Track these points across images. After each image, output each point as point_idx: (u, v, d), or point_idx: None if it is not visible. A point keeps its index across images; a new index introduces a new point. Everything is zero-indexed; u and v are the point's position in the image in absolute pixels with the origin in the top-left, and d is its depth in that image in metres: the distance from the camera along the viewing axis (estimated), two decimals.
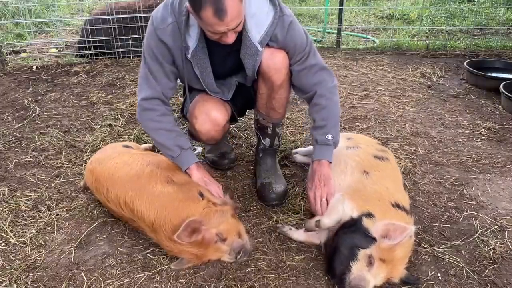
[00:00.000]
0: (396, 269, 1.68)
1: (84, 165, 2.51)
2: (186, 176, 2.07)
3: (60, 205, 2.27)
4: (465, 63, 3.90)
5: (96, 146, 2.78)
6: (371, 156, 2.10)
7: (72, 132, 3.02)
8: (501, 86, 3.37)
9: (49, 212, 2.21)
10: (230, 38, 1.77)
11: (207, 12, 1.64)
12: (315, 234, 1.96)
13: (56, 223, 2.13)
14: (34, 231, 2.08)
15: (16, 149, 2.81)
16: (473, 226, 2.11)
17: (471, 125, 3.10)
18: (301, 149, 2.66)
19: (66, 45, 4.92)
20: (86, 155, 2.69)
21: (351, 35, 5.34)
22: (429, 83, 3.89)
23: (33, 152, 2.76)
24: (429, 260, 1.91)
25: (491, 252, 1.93)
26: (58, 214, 2.19)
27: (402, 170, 2.53)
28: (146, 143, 2.78)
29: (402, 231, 1.64)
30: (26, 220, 2.16)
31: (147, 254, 1.94)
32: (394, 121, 3.17)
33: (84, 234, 2.06)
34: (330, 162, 1.99)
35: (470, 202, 2.28)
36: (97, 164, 2.14)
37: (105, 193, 2.02)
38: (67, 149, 2.80)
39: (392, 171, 2.06)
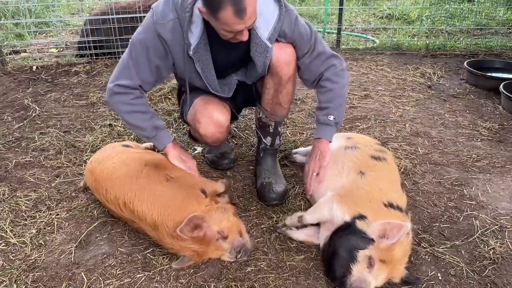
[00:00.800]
0: (396, 269, 1.68)
1: (84, 165, 2.51)
2: (184, 173, 2.08)
3: (60, 205, 2.27)
4: (465, 63, 3.90)
5: (96, 146, 2.78)
6: (368, 156, 2.10)
7: (72, 132, 3.02)
8: (501, 86, 3.37)
9: (49, 212, 2.21)
10: (245, 36, 1.79)
11: (226, 12, 1.65)
12: (315, 234, 1.97)
13: (56, 223, 2.14)
14: (34, 231, 2.08)
15: (16, 149, 2.81)
16: (473, 226, 2.11)
17: (471, 125, 3.10)
18: (301, 149, 2.66)
19: (66, 45, 4.92)
20: (86, 155, 2.69)
21: (351, 35, 5.34)
22: (429, 83, 3.89)
23: (33, 152, 2.76)
24: (429, 260, 1.91)
25: (491, 252, 1.93)
26: (58, 214, 2.19)
27: (402, 170, 2.53)
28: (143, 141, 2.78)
29: (399, 229, 1.64)
30: (26, 220, 2.16)
31: (147, 254, 1.94)
32: (394, 121, 3.17)
33: (84, 234, 2.06)
34: (330, 142, 2.08)
35: (470, 202, 2.28)
36: (96, 164, 2.14)
37: (104, 193, 2.03)
38: (67, 149, 2.80)
39: (389, 171, 2.06)
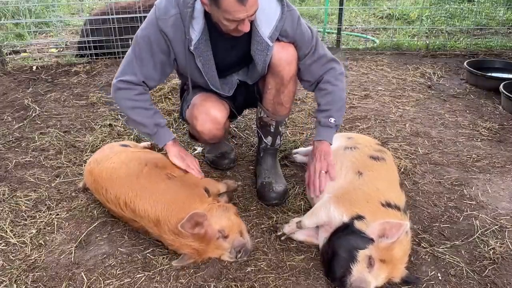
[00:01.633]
0: (396, 268, 1.68)
1: (84, 165, 2.51)
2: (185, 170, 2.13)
3: (60, 205, 2.27)
4: (465, 63, 3.90)
5: (96, 146, 2.78)
6: (367, 156, 2.10)
7: (72, 132, 3.02)
8: (501, 86, 3.37)
9: (49, 212, 2.21)
10: (247, 26, 1.79)
11: None
12: (315, 234, 1.97)
13: (56, 223, 2.13)
14: (34, 231, 2.08)
15: (16, 149, 2.81)
16: (473, 226, 2.11)
17: (471, 125, 3.10)
18: (301, 149, 2.66)
19: (66, 45, 4.92)
20: (86, 155, 2.69)
21: (351, 35, 5.34)
22: (429, 83, 3.89)
23: (33, 152, 2.76)
24: (429, 260, 1.91)
25: (491, 252, 1.93)
26: (58, 214, 2.19)
27: (402, 170, 2.53)
28: (142, 140, 2.77)
29: (398, 228, 1.64)
30: (26, 220, 2.16)
31: (147, 254, 1.94)
32: (394, 121, 3.17)
33: (84, 234, 2.06)
34: (331, 144, 2.09)
35: (470, 202, 2.28)
36: (95, 164, 2.14)
37: (104, 193, 2.03)
38: (67, 149, 2.80)
39: (387, 171, 2.05)
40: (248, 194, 2.35)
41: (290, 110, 2.33)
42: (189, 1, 1.87)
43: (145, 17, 2.01)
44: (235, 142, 2.91)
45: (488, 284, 1.78)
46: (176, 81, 3.64)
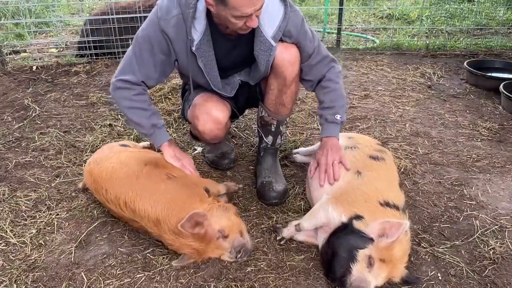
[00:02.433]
0: (396, 268, 1.68)
1: (84, 165, 2.51)
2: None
3: (60, 205, 2.27)
4: (465, 63, 3.90)
5: (96, 146, 2.78)
6: (366, 156, 2.10)
7: (72, 132, 3.02)
8: (501, 86, 3.37)
9: (49, 212, 2.21)
10: (255, 21, 1.79)
11: None
12: (314, 234, 1.96)
13: (56, 223, 2.13)
14: (34, 231, 2.08)
15: (16, 149, 2.81)
16: (473, 226, 2.11)
17: (471, 125, 3.10)
18: (301, 149, 2.66)
19: (66, 45, 4.92)
20: (86, 155, 2.69)
21: (351, 35, 5.34)
22: (429, 83, 3.89)
23: (33, 152, 2.76)
24: (429, 260, 1.91)
25: (491, 252, 1.93)
26: (58, 214, 2.19)
27: (402, 170, 2.53)
28: (142, 140, 2.77)
29: (398, 227, 1.64)
30: (26, 220, 2.16)
31: (147, 254, 1.94)
32: (394, 121, 3.17)
33: (84, 234, 2.06)
34: (338, 139, 2.13)
35: (470, 202, 2.28)
36: (95, 165, 2.14)
37: (104, 194, 2.02)
38: (67, 149, 2.80)
39: (386, 170, 2.05)
40: (248, 194, 2.35)
41: (291, 110, 2.33)
42: (191, 1, 1.87)
43: (145, 17, 2.01)
44: (235, 142, 2.91)
45: (488, 284, 1.78)
46: (176, 81, 3.64)
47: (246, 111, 2.87)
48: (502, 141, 2.89)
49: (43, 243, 2.01)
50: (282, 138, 2.42)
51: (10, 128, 3.07)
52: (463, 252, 1.95)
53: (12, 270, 1.86)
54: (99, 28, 4.33)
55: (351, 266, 1.65)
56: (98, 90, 3.71)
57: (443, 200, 2.30)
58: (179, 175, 2.06)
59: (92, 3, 5.84)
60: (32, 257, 1.93)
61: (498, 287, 1.77)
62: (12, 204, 2.27)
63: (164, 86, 3.60)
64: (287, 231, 1.97)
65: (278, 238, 2.00)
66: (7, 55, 4.49)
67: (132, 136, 2.90)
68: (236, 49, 2.06)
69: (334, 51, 4.74)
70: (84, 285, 1.78)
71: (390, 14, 5.94)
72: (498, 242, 1.99)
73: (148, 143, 2.69)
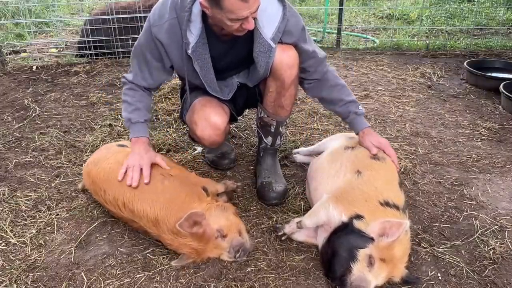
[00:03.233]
0: (396, 268, 1.68)
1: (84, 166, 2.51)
2: (186, 171, 2.16)
3: (60, 205, 2.27)
4: (465, 63, 3.90)
5: (96, 146, 2.78)
6: (366, 156, 2.10)
7: (72, 132, 3.02)
8: (501, 86, 3.37)
9: (49, 212, 2.21)
10: (251, 24, 1.79)
11: None
12: (314, 235, 1.96)
13: (56, 223, 2.13)
14: (34, 231, 2.08)
15: (16, 149, 2.81)
16: (473, 226, 2.11)
17: (471, 125, 3.10)
18: (301, 149, 2.66)
19: (66, 45, 4.92)
20: (86, 155, 2.69)
21: (351, 35, 5.34)
22: (429, 83, 3.89)
23: (33, 152, 2.76)
24: (429, 260, 1.91)
25: (491, 252, 1.93)
26: (58, 214, 2.19)
27: (402, 170, 2.53)
28: None
29: (398, 227, 1.64)
30: (26, 220, 2.16)
31: (147, 254, 1.94)
32: (394, 121, 3.17)
33: (84, 234, 2.06)
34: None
35: (470, 202, 2.28)
36: (93, 166, 2.14)
37: (102, 194, 2.02)
38: (67, 149, 2.80)
39: (386, 170, 2.05)
40: (248, 194, 2.35)
41: (291, 112, 2.33)
42: (187, 4, 1.86)
43: (145, 17, 2.02)
44: (235, 142, 2.91)
45: (488, 284, 1.78)
46: (176, 81, 3.64)
47: (246, 111, 2.87)
48: (502, 141, 2.89)
49: (43, 243, 2.01)
50: (282, 139, 2.42)
51: (10, 128, 3.07)
52: (463, 252, 1.95)
53: (12, 270, 1.86)
54: (99, 28, 4.34)
55: (352, 266, 1.64)
56: (98, 90, 3.71)
57: (443, 200, 2.30)
58: (177, 175, 2.06)
59: (92, 3, 5.84)
60: (32, 257, 1.93)
61: (498, 287, 1.77)
62: (12, 204, 2.27)
63: (164, 86, 3.60)
64: (289, 227, 1.97)
65: (279, 234, 1.99)
66: (7, 55, 4.49)
67: None
68: (233, 50, 2.06)
69: (334, 51, 4.74)
70: (84, 285, 1.78)
71: (390, 14, 5.94)
72: (498, 242, 1.99)
73: None
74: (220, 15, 1.76)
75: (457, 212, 2.20)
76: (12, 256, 1.94)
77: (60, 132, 3.00)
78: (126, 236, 2.05)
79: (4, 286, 1.78)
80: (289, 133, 2.98)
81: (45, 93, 3.67)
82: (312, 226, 1.92)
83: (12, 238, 2.04)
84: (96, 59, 4.40)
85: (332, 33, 5.23)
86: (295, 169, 2.59)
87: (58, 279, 1.82)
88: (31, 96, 3.61)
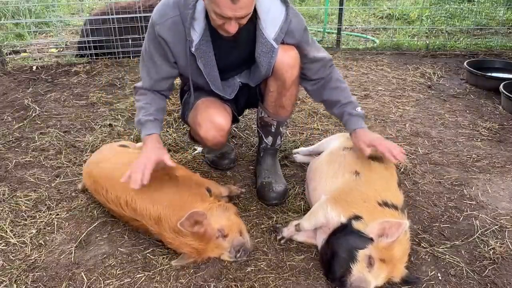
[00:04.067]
0: (396, 268, 1.68)
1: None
2: (189, 171, 2.16)
3: (60, 205, 2.27)
4: (465, 63, 3.90)
5: (96, 146, 2.78)
6: (364, 156, 2.09)
7: (72, 132, 3.02)
8: (501, 86, 3.37)
9: (49, 212, 2.21)
10: (233, 28, 1.77)
11: None
12: (314, 235, 1.96)
13: (56, 223, 2.13)
14: (34, 231, 2.08)
15: (16, 149, 2.81)
16: (473, 226, 2.11)
17: (471, 125, 3.10)
18: (301, 149, 2.66)
19: (66, 45, 4.92)
20: (86, 155, 2.69)
21: (351, 35, 5.34)
22: (429, 83, 3.89)
23: (33, 152, 2.76)
24: (429, 260, 1.91)
25: (491, 252, 1.93)
26: (58, 214, 2.19)
27: (402, 170, 2.53)
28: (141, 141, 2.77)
29: (398, 227, 1.64)
30: (26, 220, 2.16)
31: (147, 254, 1.94)
32: (394, 121, 3.17)
33: (84, 234, 2.06)
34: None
35: (470, 202, 2.28)
36: (94, 165, 2.14)
37: (104, 194, 2.03)
38: (67, 149, 2.80)
39: (385, 170, 2.05)
40: (248, 194, 2.35)
41: (291, 112, 2.33)
42: (190, 2, 1.86)
43: (145, 17, 2.02)
44: (235, 142, 2.91)
45: (488, 284, 1.78)
46: (176, 81, 3.63)
47: (246, 111, 2.87)
48: (502, 141, 2.89)
49: (43, 243, 2.01)
50: (282, 139, 2.42)
51: (10, 128, 3.07)
52: (463, 252, 1.95)
53: (12, 270, 1.86)
54: (99, 28, 4.33)
55: (351, 266, 1.64)
56: (98, 90, 3.71)
57: (443, 200, 2.30)
58: (180, 175, 2.06)
59: (92, 3, 5.84)
60: (32, 257, 1.93)
61: (498, 287, 1.77)
62: (12, 204, 2.27)
63: None
64: (287, 231, 1.97)
65: (278, 237, 2.00)
66: (7, 55, 4.49)
67: (132, 136, 2.90)
68: (236, 50, 2.06)
69: (334, 51, 4.74)
70: (84, 285, 1.78)
71: (390, 14, 5.94)
72: (498, 242, 1.99)
73: None
74: (209, 6, 1.76)
75: (457, 212, 2.20)
76: (12, 256, 1.94)
77: (60, 132, 3.00)
78: (126, 236, 2.05)
79: (4, 286, 1.78)
80: (289, 133, 2.98)
81: (45, 93, 3.67)
82: (310, 228, 1.92)
83: (12, 238, 2.04)
84: (96, 59, 4.40)
85: (332, 33, 5.23)
86: (295, 169, 2.59)
87: (58, 279, 1.82)
88: (31, 96, 3.61)
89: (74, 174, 2.52)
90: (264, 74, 2.06)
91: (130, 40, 4.34)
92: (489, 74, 3.78)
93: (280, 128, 2.34)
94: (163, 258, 1.91)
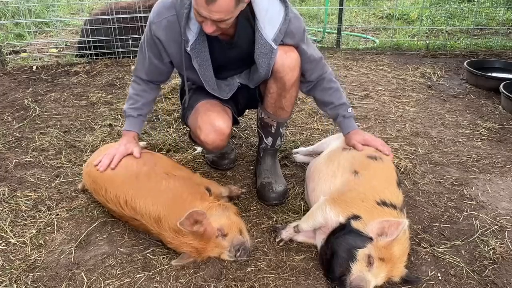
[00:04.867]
0: (396, 267, 1.68)
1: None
2: (187, 170, 2.18)
3: (60, 205, 2.27)
4: (465, 63, 3.90)
5: (96, 146, 2.78)
6: (364, 156, 2.09)
7: (72, 132, 3.02)
8: (501, 86, 3.37)
9: (49, 212, 2.21)
10: (208, 28, 1.77)
11: None
12: (314, 235, 1.96)
13: (56, 223, 2.13)
14: (34, 231, 2.08)
15: (16, 149, 2.81)
16: (473, 226, 2.11)
17: (471, 125, 3.10)
18: (301, 149, 2.66)
19: (66, 45, 4.92)
20: (86, 155, 2.69)
21: (351, 35, 5.34)
22: (429, 83, 3.89)
23: (33, 152, 2.76)
24: (429, 260, 1.91)
25: (491, 252, 1.93)
26: (58, 214, 2.19)
27: (402, 170, 2.53)
28: (141, 140, 2.78)
29: (397, 226, 1.64)
30: (26, 220, 2.16)
31: (147, 254, 1.94)
32: (394, 121, 3.17)
33: (84, 234, 2.06)
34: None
35: (470, 202, 2.28)
36: (93, 166, 2.14)
37: (103, 194, 2.02)
38: (67, 149, 2.80)
39: (384, 169, 2.05)
40: (248, 194, 2.35)
41: (291, 113, 2.33)
42: (186, 2, 1.86)
43: (145, 17, 2.04)
44: (235, 142, 2.91)
45: (488, 284, 1.78)
46: (176, 81, 3.64)
47: (246, 111, 2.87)
48: (502, 141, 2.89)
49: (43, 243, 2.01)
50: (282, 139, 2.42)
51: (10, 128, 3.07)
52: (463, 252, 1.95)
53: (12, 270, 1.86)
54: (99, 28, 4.33)
55: (351, 266, 1.64)
56: (98, 90, 3.71)
57: (443, 200, 2.30)
58: (179, 174, 2.06)
59: (92, 3, 5.84)
60: (32, 257, 1.93)
61: (498, 287, 1.77)
62: (12, 204, 2.27)
63: (164, 86, 3.60)
64: (286, 233, 1.97)
65: (277, 240, 2.00)
66: (7, 55, 4.49)
67: None
68: (233, 50, 2.05)
69: (334, 51, 4.75)
70: (84, 285, 1.78)
71: (390, 14, 5.94)
72: (498, 242, 1.99)
73: (145, 143, 2.69)
74: (193, 2, 1.75)
75: (457, 212, 2.20)
76: (12, 256, 1.94)
77: (60, 132, 3.00)
78: (126, 236, 2.05)
79: (4, 286, 1.78)
80: (289, 133, 2.98)
81: (45, 93, 3.67)
82: (309, 229, 1.92)
83: (12, 238, 2.04)
84: (96, 59, 4.41)
85: (332, 33, 5.23)
86: (295, 169, 2.59)
87: (58, 279, 1.82)
88: (31, 96, 3.61)
89: (74, 174, 2.53)
90: (263, 75, 2.06)
91: (130, 40, 4.34)
92: (489, 74, 3.78)
93: (280, 129, 2.34)
94: (163, 258, 1.91)
